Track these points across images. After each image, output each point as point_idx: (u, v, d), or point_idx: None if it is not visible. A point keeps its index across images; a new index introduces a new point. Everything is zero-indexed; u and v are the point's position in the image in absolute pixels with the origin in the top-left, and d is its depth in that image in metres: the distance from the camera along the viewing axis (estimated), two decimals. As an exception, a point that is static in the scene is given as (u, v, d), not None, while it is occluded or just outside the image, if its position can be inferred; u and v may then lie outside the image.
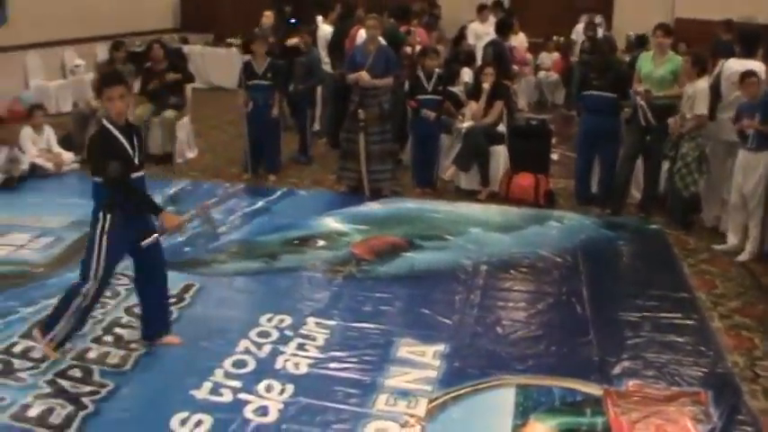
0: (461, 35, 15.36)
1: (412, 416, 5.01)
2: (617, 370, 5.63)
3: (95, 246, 5.43)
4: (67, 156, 10.87)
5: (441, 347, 5.87)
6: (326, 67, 12.15)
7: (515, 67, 13.57)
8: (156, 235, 5.61)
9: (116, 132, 5.35)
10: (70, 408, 5.03)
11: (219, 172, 10.85)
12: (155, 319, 5.93)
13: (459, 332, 6.17)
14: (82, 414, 4.97)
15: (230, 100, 13.58)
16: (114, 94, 5.32)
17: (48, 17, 14.53)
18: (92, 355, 5.72)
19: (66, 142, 11.20)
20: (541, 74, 16.77)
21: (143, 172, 5.57)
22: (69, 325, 5.54)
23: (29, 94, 14.10)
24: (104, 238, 5.42)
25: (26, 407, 5.04)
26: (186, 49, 17.99)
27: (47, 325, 5.61)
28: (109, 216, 5.41)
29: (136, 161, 5.46)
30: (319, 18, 13.14)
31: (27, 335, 5.91)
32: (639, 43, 12.87)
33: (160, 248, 5.83)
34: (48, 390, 5.25)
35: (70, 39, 15.57)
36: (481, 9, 14.97)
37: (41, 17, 14.36)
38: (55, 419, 4.91)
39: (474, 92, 10.23)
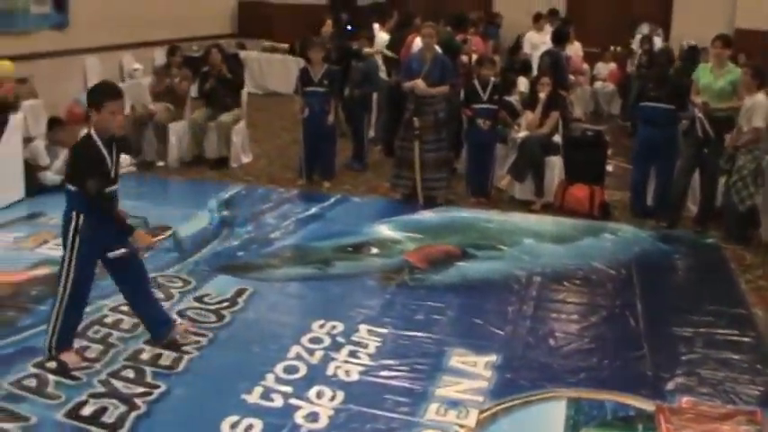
0: (518, 44, 15.35)
1: (462, 426, 4.98)
2: (670, 386, 5.55)
3: (68, 245, 5.49)
4: (124, 158, 10.95)
5: (492, 358, 5.84)
6: (382, 74, 12.19)
7: (571, 77, 13.50)
8: (123, 250, 5.62)
9: (100, 145, 5.39)
10: (123, 408, 5.07)
11: (274, 177, 10.91)
12: (156, 322, 5.99)
13: (511, 343, 6.14)
14: (134, 414, 5.01)
15: (286, 105, 13.66)
16: (117, 108, 5.42)
17: (107, 22, 14.72)
18: (144, 356, 5.76)
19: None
20: (597, 84, 16.66)
21: (117, 186, 5.58)
22: (58, 325, 5.57)
23: (88, 96, 14.26)
24: (77, 237, 5.46)
25: (80, 405, 5.09)
26: (243, 54, 18.15)
27: (46, 336, 5.67)
28: (82, 215, 5.45)
29: (112, 174, 5.49)
30: (376, 26, 13.19)
31: (81, 334, 5.98)
32: (689, 55, 12.74)
33: (135, 255, 5.84)
34: (101, 389, 5.30)
35: (128, 43, 15.76)
36: (537, 18, 14.93)
37: (101, 22, 14.54)
38: (108, 419, 4.96)
39: (530, 101, 10.20)
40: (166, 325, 6.00)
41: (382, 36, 12.58)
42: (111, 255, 5.60)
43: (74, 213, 5.45)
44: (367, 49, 11.79)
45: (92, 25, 14.30)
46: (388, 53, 12.19)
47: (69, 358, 5.60)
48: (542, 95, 9.82)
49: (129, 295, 5.93)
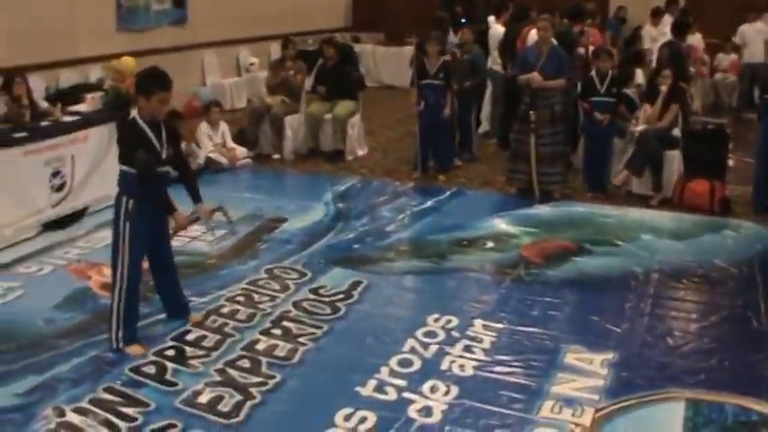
0: (635, 36, 15.08)
1: (577, 425, 4.92)
2: (796, 390, 5.38)
3: (119, 231, 5.63)
4: (241, 151, 11.21)
5: (609, 356, 5.75)
6: (497, 67, 12.11)
7: (692, 69, 13.17)
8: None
9: (144, 126, 5.54)
10: (238, 397, 5.19)
11: (389, 170, 10.96)
12: (174, 300, 6.23)
13: (628, 341, 6.03)
14: (249, 404, 5.12)
15: (401, 98, 13.70)
16: (165, 98, 5.56)
17: (224, 17, 15.04)
18: (260, 346, 5.88)
19: (239, 137, 11.55)
20: (718, 75, 16.24)
21: (168, 168, 5.73)
22: (121, 317, 5.72)
23: (206, 90, 14.59)
24: (127, 223, 5.60)
25: (197, 393, 5.23)
26: (358, 47, 18.25)
27: (109, 331, 5.80)
28: (131, 201, 5.59)
29: (163, 155, 5.62)
30: (491, 18, 13.08)
31: (200, 324, 6.17)
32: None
33: (167, 231, 6.03)
34: (218, 378, 5.43)
35: (245, 38, 16.07)
36: (655, 14, 14.66)
37: (218, 17, 14.87)
38: (224, 407, 5.07)
39: (649, 94, 9.98)
40: (181, 313, 6.26)
41: (497, 29, 12.46)
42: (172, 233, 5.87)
43: (123, 199, 5.62)
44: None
45: (209, 21, 14.64)
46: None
47: (134, 350, 5.75)
48: (663, 88, 9.60)
49: (159, 272, 6.12)
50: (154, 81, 5.57)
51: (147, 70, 5.74)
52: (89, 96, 9.74)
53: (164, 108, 5.59)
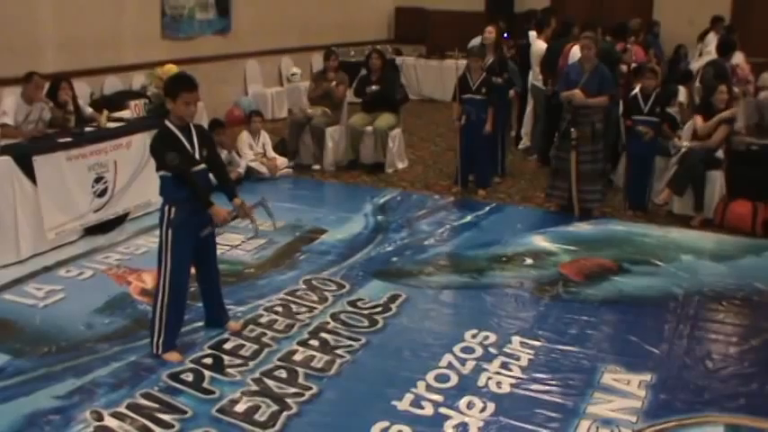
0: (678, 55, 15.00)
1: (614, 446, 4.89)
2: (838, 417, 5.30)
3: (162, 239, 5.70)
4: (281, 161, 11.27)
5: (647, 377, 5.71)
6: (538, 83, 12.08)
7: (735, 90, 13.06)
8: (210, 228, 5.89)
9: (176, 131, 5.61)
10: (275, 407, 5.20)
11: (429, 184, 10.94)
12: (213, 310, 6.28)
13: (666, 363, 5.98)
14: (285, 414, 5.13)
15: (441, 112, 13.70)
16: (191, 98, 5.61)
17: (268, 27, 15.17)
18: (298, 357, 5.89)
19: (280, 147, 11.61)
20: (762, 94, 16.07)
21: (203, 166, 5.74)
22: (162, 324, 5.77)
23: (248, 100, 14.68)
24: (170, 230, 5.66)
25: (234, 402, 5.25)
26: (399, 60, 18.30)
27: (150, 336, 5.87)
28: (174, 209, 5.65)
29: (196, 156, 5.67)
30: (532, 34, 13.03)
31: (237, 333, 6.21)
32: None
33: (214, 245, 6.10)
34: (255, 387, 5.45)
35: (288, 48, 16.16)
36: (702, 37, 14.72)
37: (262, 27, 14.99)
38: (260, 417, 5.09)
39: (702, 108, 9.87)
40: (219, 318, 6.31)
41: (539, 45, 12.41)
42: (202, 233, 5.83)
43: (166, 208, 5.69)
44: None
45: (252, 30, 14.77)
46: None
47: (172, 358, 5.80)
48: (728, 113, 9.47)
49: (203, 277, 6.15)
50: (178, 83, 5.68)
51: (173, 75, 5.85)
52: (132, 103, 9.84)
53: (190, 109, 5.63)
